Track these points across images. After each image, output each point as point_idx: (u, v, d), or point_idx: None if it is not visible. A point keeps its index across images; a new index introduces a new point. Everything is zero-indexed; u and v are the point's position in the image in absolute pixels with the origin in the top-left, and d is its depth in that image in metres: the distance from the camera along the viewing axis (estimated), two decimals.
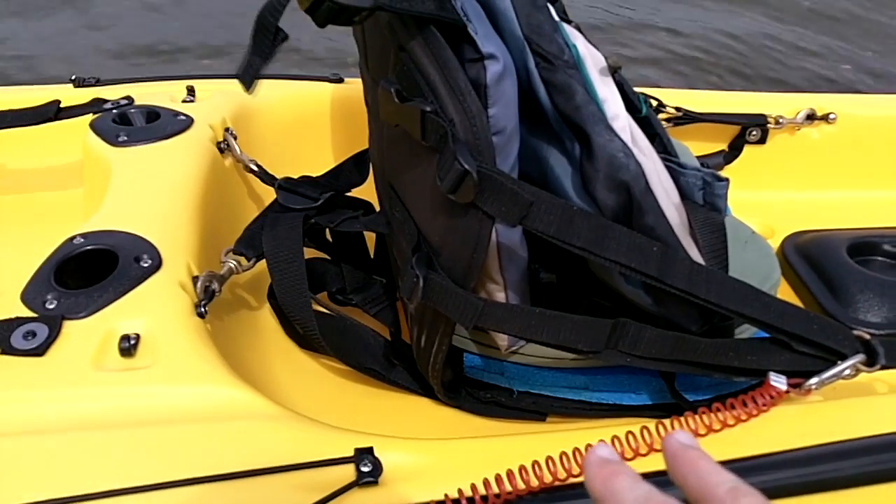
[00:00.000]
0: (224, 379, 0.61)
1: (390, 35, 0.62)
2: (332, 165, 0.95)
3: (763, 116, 1.17)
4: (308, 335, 0.77)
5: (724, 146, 1.21)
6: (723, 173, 0.67)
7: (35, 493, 0.51)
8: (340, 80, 1.11)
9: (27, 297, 0.65)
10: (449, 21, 0.59)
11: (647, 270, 0.59)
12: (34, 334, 0.62)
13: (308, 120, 1.07)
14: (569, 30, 0.67)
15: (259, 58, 0.62)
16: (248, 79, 0.62)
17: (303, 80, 1.09)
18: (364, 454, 0.56)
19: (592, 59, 0.65)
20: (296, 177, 0.87)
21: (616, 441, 0.58)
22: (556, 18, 0.67)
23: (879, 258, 1.08)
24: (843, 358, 0.65)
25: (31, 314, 0.64)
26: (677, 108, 1.13)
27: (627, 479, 0.33)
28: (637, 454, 0.58)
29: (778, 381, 0.64)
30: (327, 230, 0.88)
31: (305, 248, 0.79)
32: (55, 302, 0.65)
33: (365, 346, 0.81)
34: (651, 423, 0.59)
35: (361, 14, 0.57)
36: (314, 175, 0.90)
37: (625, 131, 0.63)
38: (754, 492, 0.32)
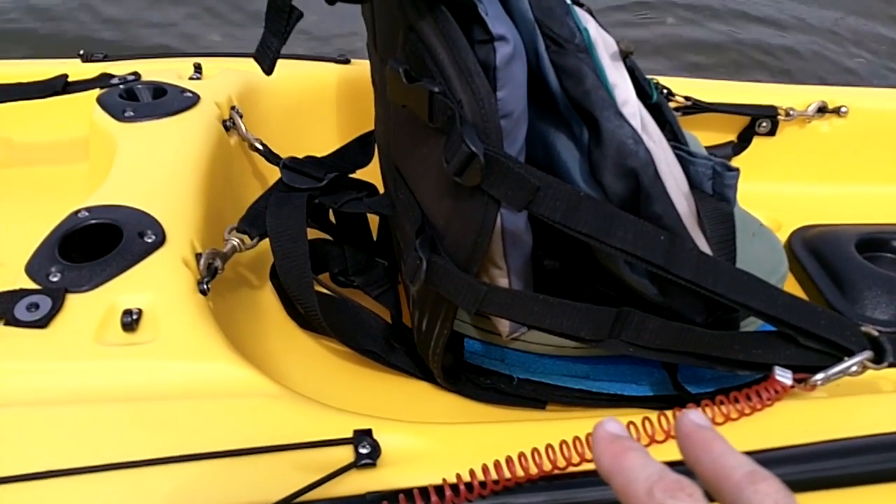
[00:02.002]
0: (225, 356, 0.61)
1: (400, 14, 0.62)
2: (337, 146, 0.95)
3: (773, 108, 1.16)
4: (309, 315, 0.76)
5: (733, 137, 1.20)
6: (731, 164, 0.66)
7: (36, 464, 0.51)
8: (347, 62, 1.10)
9: (31, 269, 0.65)
10: (459, 1, 0.58)
11: (653, 259, 0.59)
12: (37, 306, 0.62)
13: (314, 100, 1.06)
14: (580, 13, 0.66)
15: (276, 38, 0.62)
16: (268, 61, 0.62)
17: (310, 60, 1.09)
18: (363, 436, 0.56)
19: (604, 44, 0.64)
20: (301, 157, 0.87)
21: (631, 425, 0.57)
22: (568, 1, 0.66)
23: (888, 255, 1.07)
24: (850, 354, 0.64)
25: (34, 286, 0.64)
26: (687, 98, 1.12)
27: (639, 457, 0.32)
28: (653, 440, 0.57)
29: (783, 376, 0.63)
30: (331, 211, 0.88)
31: (308, 229, 0.78)
32: (59, 275, 0.65)
33: (366, 329, 0.80)
34: (653, 415, 0.58)
35: None
36: (319, 155, 0.89)
37: (635, 117, 0.62)
38: (771, 476, 0.31)
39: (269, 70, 0.62)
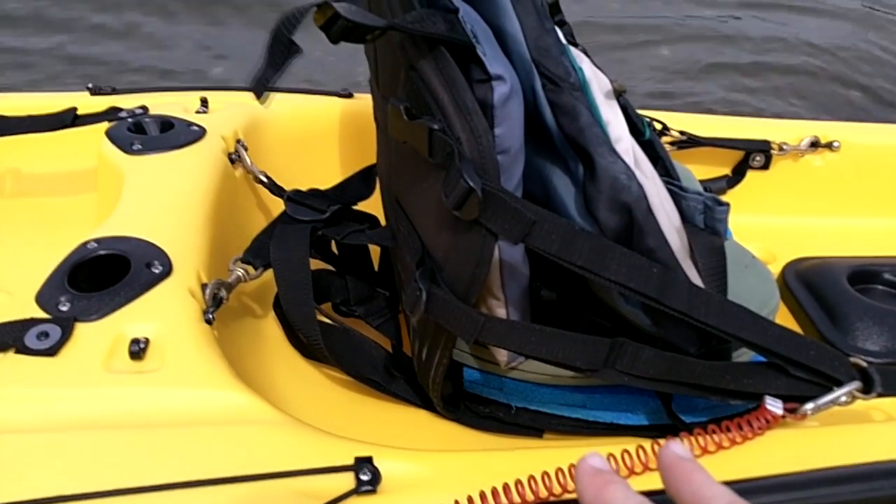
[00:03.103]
0: (229, 384, 0.63)
1: (401, 54, 0.64)
2: (340, 178, 0.97)
3: (767, 142, 1.19)
4: (311, 344, 0.78)
5: (727, 171, 1.22)
6: (725, 198, 0.68)
7: (46, 489, 0.53)
8: (350, 96, 1.12)
9: (41, 298, 0.67)
10: (459, 42, 0.60)
11: (646, 291, 0.61)
12: (47, 335, 0.63)
13: (317, 133, 1.08)
14: (576, 53, 0.68)
15: (272, 69, 0.64)
16: (261, 89, 0.64)
17: (313, 94, 1.11)
18: (363, 463, 0.57)
19: (598, 82, 0.67)
20: (304, 189, 0.89)
21: (611, 458, 0.58)
22: (564, 42, 0.68)
23: (880, 287, 1.09)
24: (840, 384, 0.65)
25: (44, 315, 0.65)
26: (682, 132, 1.15)
27: (620, 490, 0.34)
28: (632, 472, 0.58)
29: (774, 406, 0.65)
30: (333, 242, 0.89)
31: (311, 260, 0.80)
32: (68, 304, 0.66)
33: (367, 358, 0.82)
34: (647, 443, 0.59)
35: (374, 33, 0.59)
36: (322, 187, 0.91)
37: (628, 154, 0.64)
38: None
39: (258, 95, 0.64)
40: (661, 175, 0.66)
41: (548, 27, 0.67)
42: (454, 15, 0.62)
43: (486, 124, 0.59)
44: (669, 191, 0.66)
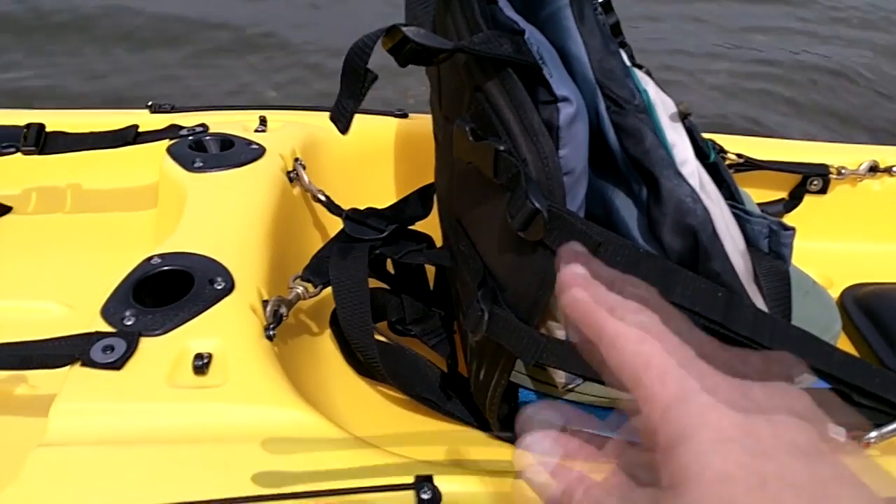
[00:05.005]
0: (291, 401, 0.63)
1: (466, 76, 0.64)
2: (395, 197, 0.97)
3: (825, 166, 1.17)
4: (368, 362, 0.78)
5: (784, 194, 1.20)
6: (787, 223, 0.68)
7: (107, 502, 0.54)
8: (405, 116, 1.13)
9: (107, 312, 0.68)
10: (525, 64, 0.61)
11: (711, 315, 0.60)
12: (113, 349, 0.64)
13: (374, 153, 1.09)
14: (640, 75, 0.68)
15: (351, 100, 0.64)
16: (345, 122, 0.64)
17: (369, 114, 1.12)
18: (424, 482, 0.57)
19: (663, 105, 0.66)
20: (360, 207, 0.89)
21: None
22: (628, 64, 0.68)
23: None
24: None
25: (110, 329, 0.66)
26: (739, 155, 1.14)
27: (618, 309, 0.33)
28: None
29: (837, 433, 0.63)
30: (389, 261, 0.90)
31: (368, 278, 0.81)
32: (133, 318, 0.67)
33: (422, 377, 0.82)
34: None
35: (442, 55, 0.59)
36: (377, 206, 0.92)
37: (693, 177, 0.63)
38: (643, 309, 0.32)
39: (344, 130, 0.65)
40: (725, 198, 0.66)
41: (612, 49, 0.67)
42: (521, 37, 0.62)
43: (553, 146, 0.59)
44: (734, 214, 0.65)
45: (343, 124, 0.64)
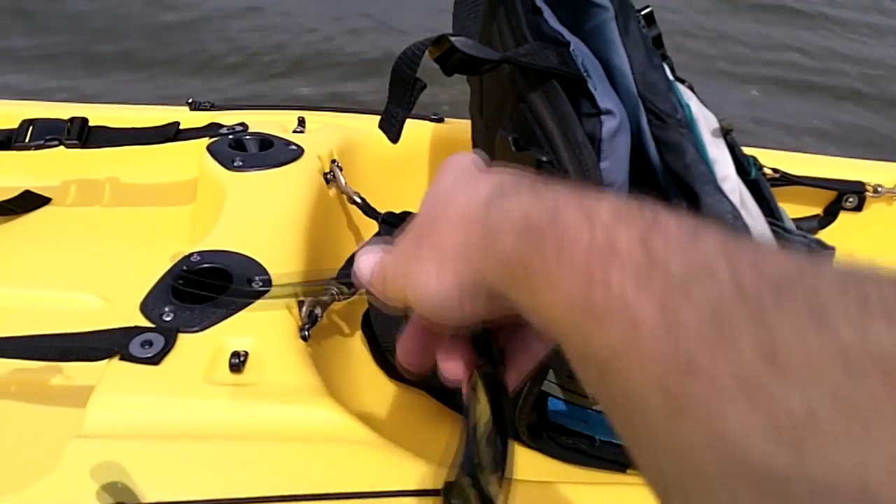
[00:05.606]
0: (324, 402, 0.64)
1: (510, 86, 0.65)
2: None
3: (861, 184, 1.16)
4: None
5: (819, 210, 1.19)
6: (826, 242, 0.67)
7: (142, 496, 0.55)
8: (441, 120, 1.14)
9: (146, 308, 0.69)
10: (570, 76, 0.61)
11: None
12: (151, 344, 0.65)
13: (410, 156, 1.10)
14: (683, 90, 0.68)
15: (400, 108, 0.65)
16: (396, 131, 0.65)
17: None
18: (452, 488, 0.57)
19: (705, 120, 0.67)
20: (395, 210, 0.90)
21: None
22: (671, 78, 0.68)
23: None
24: None
25: (148, 324, 0.67)
26: (774, 170, 1.13)
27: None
28: None
29: None
30: None
31: None
32: (172, 315, 0.68)
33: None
34: None
35: (488, 65, 0.60)
36: (412, 210, 0.92)
37: (734, 193, 0.63)
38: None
39: (395, 139, 0.66)
40: (765, 215, 0.66)
41: (656, 63, 0.67)
42: (566, 49, 0.62)
43: (595, 158, 0.60)
44: (774, 232, 0.65)
45: (394, 133, 0.65)
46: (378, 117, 1.07)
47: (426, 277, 0.36)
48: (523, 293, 0.31)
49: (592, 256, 0.27)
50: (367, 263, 0.41)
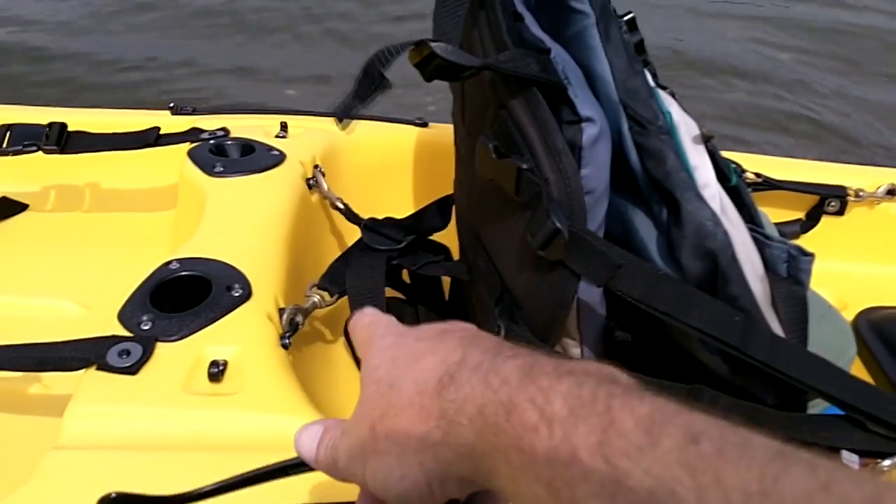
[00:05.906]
0: (305, 411, 0.63)
1: (492, 92, 0.65)
2: (414, 206, 0.97)
3: (843, 188, 1.16)
4: None
5: (801, 215, 1.20)
6: (798, 242, 0.67)
7: None
8: (425, 125, 1.13)
9: (124, 316, 0.68)
10: (551, 83, 0.61)
11: (728, 340, 0.60)
12: (129, 353, 0.64)
13: (393, 162, 1.09)
14: (664, 96, 0.68)
15: (358, 100, 0.65)
16: (343, 116, 0.65)
17: (389, 122, 1.12)
18: None
19: (686, 127, 0.66)
20: (378, 216, 0.89)
21: None
22: (653, 84, 0.68)
23: None
24: None
25: (126, 333, 0.66)
26: (757, 174, 1.13)
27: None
28: None
29: (850, 461, 0.63)
30: (405, 271, 0.90)
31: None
32: (150, 323, 0.67)
33: None
34: None
35: (468, 71, 0.59)
36: (395, 215, 0.92)
37: (714, 200, 0.63)
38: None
39: (340, 120, 0.65)
40: (745, 221, 0.66)
41: (637, 69, 0.67)
42: (547, 56, 0.62)
43: (575, 166, 0.60)
44: (754, 238, 0.65)
45: (341, 118, 0.65)
46: (359, 122, 1.08)
47: (388, 471, 0.36)
48: (493, 481, 0.32)
49: (555, 466, 0.28)
50: (310, 442, 0.42)
